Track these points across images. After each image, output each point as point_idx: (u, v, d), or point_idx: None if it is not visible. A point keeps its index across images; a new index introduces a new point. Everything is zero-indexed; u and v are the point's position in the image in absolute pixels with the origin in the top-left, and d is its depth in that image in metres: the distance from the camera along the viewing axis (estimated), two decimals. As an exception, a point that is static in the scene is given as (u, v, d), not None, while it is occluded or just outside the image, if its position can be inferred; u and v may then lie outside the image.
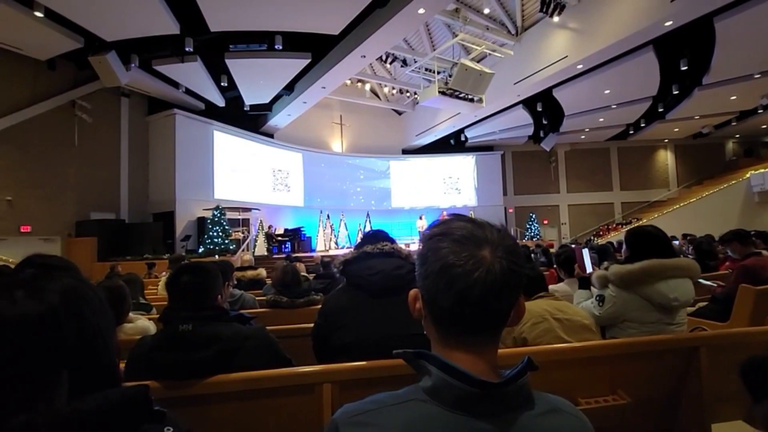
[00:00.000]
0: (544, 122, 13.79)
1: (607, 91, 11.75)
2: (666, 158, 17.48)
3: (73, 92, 9.58)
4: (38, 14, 7.08)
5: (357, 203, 15.74)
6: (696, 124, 15.02)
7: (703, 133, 15.97)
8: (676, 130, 15.54)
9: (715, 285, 3.12)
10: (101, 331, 0.56)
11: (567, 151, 17.31)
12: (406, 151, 16.79)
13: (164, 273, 6.04)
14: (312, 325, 1.63)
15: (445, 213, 14.80)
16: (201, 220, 10.78)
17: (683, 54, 9.94)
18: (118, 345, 0.62)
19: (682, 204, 14.54)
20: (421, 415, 0.54)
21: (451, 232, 0.61)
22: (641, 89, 11.76)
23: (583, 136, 16.15)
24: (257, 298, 3.18)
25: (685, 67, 10.09)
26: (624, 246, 1.92)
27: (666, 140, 17.02)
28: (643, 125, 14.52)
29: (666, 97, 12.27)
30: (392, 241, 1.64)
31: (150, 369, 1.22)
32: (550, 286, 2.30)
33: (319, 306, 1.82)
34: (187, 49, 8.40)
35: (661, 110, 13.05)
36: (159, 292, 4.00)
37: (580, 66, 9.61)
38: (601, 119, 14.08)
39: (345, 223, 14.58)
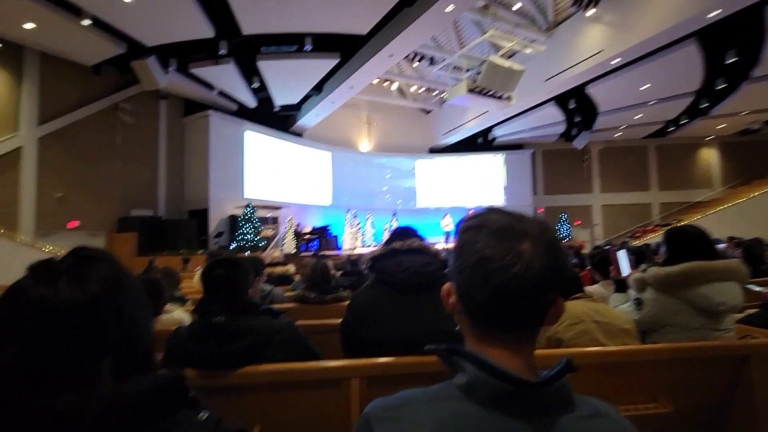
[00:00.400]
0: (577, 120, 13.31)
1: (645, 87, 11.20)
2: (709, 156, 16.47)
3: (116, 96, 10.12)
4: (85, 23, 7.52)
5: (383, 202, 15.78)
6: (743, 120, 14.07)
7: (752, 130, 14.93)
8: (721, 126, 14.61)
9: (766, 291, 2.91)
10: (138, 321, 0.59)
11: (601, 150, 16.64)
12: (434, 150, 16.66)
13: (199, 268, 6.27)
14: (339, 320, 1.65)
15: (471, 212, 14.56)
16: (232, 218, 11.12)
17: (730, 46, 9.32)
18: (154, 335, 0.65)
19: (727, 205, 13.65)
20: (455, 413, 0.53)
21: (487, 224, 0.59)
22: (683, 84, 11.14)
23: (618, 134, 15.47)
24: (286, 294, 3.24)
25: (733, 59, 9.46)
26: (663, 247, 1.83)
27: (710, 137, 16.04)
28: (684, 122, 13.73)
29: (710, 92, 11.55)
30: (421, 238, 1.63)
31: (185, 359, 1.27)
32: (586, 288, 2.21)
33: (347, 302, 1.84)
34: (221, 52, 8.69)
35: (704, 106, 12.30)
36: (194, 284, 4.15)
37: (615, 61, 9.21)
38: (639, 116, 13.44)
39: (372, 222, 14.65)
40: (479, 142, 15.80)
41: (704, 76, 10.52)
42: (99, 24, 7.79)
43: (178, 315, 2.21)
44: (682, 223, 12.78)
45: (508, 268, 0.54)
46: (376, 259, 1.56)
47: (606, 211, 16.68)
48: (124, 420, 0.51)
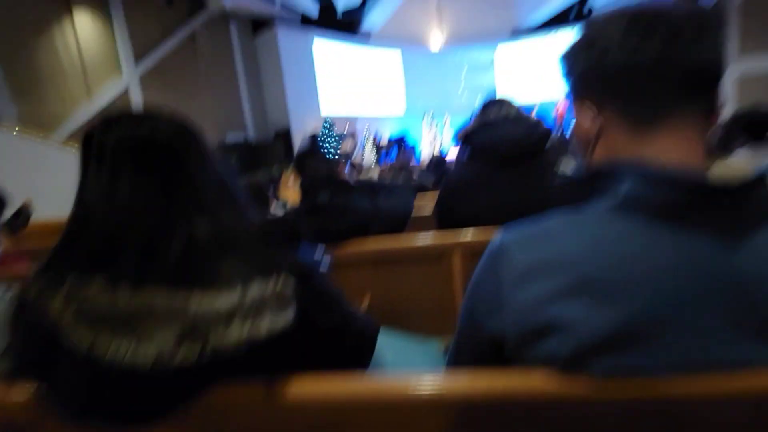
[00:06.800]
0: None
1: None
2: None
3: (190, 25, 10.40)
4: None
5: (461, 102, 14.80)
6: None
7: None
8: None
9: None
10: (214, 162, 0.60)
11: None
12: (516, 33, 14.55)
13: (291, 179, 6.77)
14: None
15: (560, 108, 12.89)
16: (313, 137, 11.53)
17: None
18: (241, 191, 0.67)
19: None
20: (613, 231, 0.43)
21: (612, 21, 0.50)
22: None
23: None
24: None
25: None
26: None
27: None
28: None
29: None
30: (517, 105, 1.45)
31: (294, 237, 1.38)
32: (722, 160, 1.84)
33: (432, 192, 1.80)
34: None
35: None
36: (288, 193, 4.49)
37: None
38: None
39: (449, 124, 14.01)
40: (572, 17, 13.28)
41: None
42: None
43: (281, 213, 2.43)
44: None
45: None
46: (469, 133, 1.45)
47: (744, 84, 13.37)
48: (252, 243, 0.54)
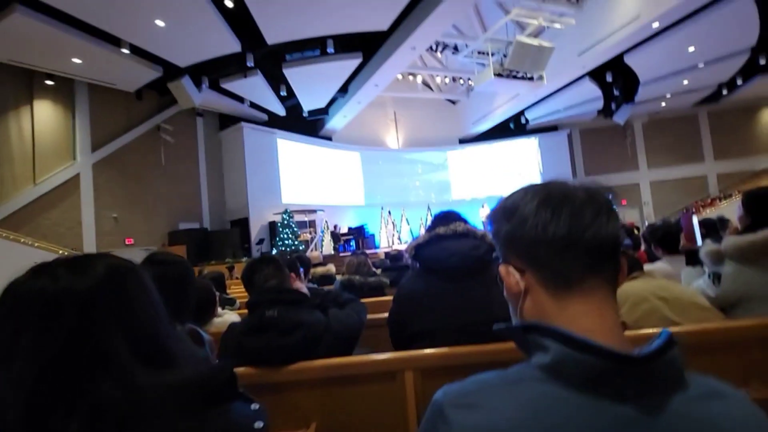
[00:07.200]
0: (615, 94, 12.53)
1: (691, 49, 10.34)
2: (773, 118, 14.98)
3: (157, 117, 10.72)
4: (125, 51, 8.01)
5: (417, 197, 15.67)
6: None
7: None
8: (786, 83, 13.22)
9: None
10: (144, 312, 0.55)
11: (645, 123, 15.57)
12: (464, 140, 16.33)
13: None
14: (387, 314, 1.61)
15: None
16: (272, 225, 11.46)
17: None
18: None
19: (798, 170, 12.35)
20: (540, 398, 0.46)
21: (527, 196, 0.57)
22: (736, 41, 10.18)
23: (663, 104, 14.40)
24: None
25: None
26: (740, 212, 1.64)
27: (772, 97, 14.58)
28: (739, 83, 12.56)
29: (769, 47, 10.49)
30: (465, 221, 1.55)
31: (240, 354, 1.28)
32: (646, 267, 2.04)
33: (390, 292, 1.80)
34: (248, 64, 8.96)
35: (763, 63, 11.19)
36: (241, 289, 4.28)
37: (656, 25, 8.56)
38: (686, 82, 12.43)
39: (407, 219, 14.59)
40: (511, 127, 15.29)
41: (761, 29, 9.55)
42: (136, 51, 8.27)
43: (228, 317, 2.26)
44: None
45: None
46: (419, 247, 1.50)
47: (655, 188, 15.61)
48: (174, 409, 0.48)
